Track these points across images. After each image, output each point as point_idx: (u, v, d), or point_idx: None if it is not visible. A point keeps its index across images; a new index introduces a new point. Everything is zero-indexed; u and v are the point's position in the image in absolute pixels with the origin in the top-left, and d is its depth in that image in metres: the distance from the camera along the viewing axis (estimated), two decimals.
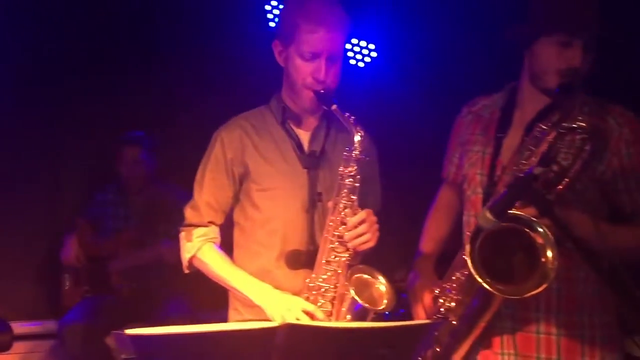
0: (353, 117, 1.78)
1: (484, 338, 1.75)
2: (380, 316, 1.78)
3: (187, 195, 3.28)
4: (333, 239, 1.76)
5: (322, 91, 1.79)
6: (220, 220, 1.93)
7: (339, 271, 1.76)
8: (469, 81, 3.19)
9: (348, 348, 1.41)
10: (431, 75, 3.61)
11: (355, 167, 1.77)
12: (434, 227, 2.01)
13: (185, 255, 1.90)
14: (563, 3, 1.70)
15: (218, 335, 1.36)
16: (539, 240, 1.55)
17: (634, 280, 1.47)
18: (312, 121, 1.91)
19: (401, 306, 2.76)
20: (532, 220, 1.55)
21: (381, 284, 1.77)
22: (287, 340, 1.35)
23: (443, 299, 1.75)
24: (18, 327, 3.07)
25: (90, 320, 3.04)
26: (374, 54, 3.74)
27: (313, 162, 1.87)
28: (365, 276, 1.77)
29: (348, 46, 3.75)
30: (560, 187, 1.59)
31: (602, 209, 1.74)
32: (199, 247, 1.89)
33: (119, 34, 3.54)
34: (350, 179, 1.76)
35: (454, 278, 1.73)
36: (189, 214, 1.93)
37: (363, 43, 3.71)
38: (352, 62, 3.74)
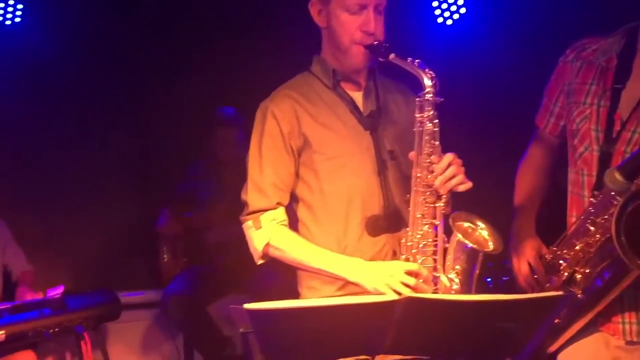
0: (418, 60, 1.67)
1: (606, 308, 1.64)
2: (484, 285, 1.70)
3: None
4: (423, 189, 1.65)
5: (375, 43, 1.69)
6: (287, 200, 1.79)
7: (437, 222, 1.65)
8: (571, 31, 2.99)
9: (469, 321, 1.34)
10: (525, 31, 3.41)
11: (432, 111, 1.65)
12: (528, 182, 1.87)
13: (257, 245, 1.75)
14: None
15: (336, 309, 1.33)
16: None
17: None
18: (360, 80, 1.81)
19: (504, 273, 2.65)
20: None
21: (482, 229, 1.67)
22: (406, 313, 1.31)
23: (562, 269, 1.65)
24: (125, 298, 3.23)
25: (190, 290, 3.13)
26: (462, 10, 3.57)
27: (373, 122, 1.77)
28: (465, 224, 1.67)
29: (435, 4, 3.60)
30: None
31: None
32: (272, 233, 1.74)
33: (206, 9, 3.54)
34: (430, 124, 1.65)
35: (577, 248, 1.60)
36: (253, 199, 1.77)
37: None
38: (440, 20, 3.59)
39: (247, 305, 1.29)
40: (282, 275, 3.18)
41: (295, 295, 3.06)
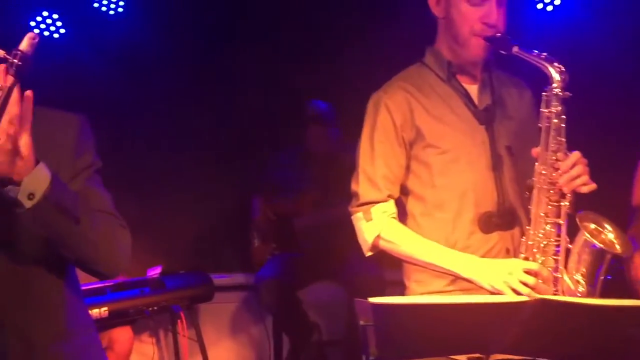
0: (544, 53, 1.61)
1: None
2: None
3: None
4: (547, 187, 1.59)
5: (498, 35, 1.64)
6: (397, 193, 1.77)
7: (561, 222, 1.59)
8: None
9: (600, 326, 1.30)
10: (634, 17, 3.23)
11: (560, 106, 1.60)
12: None
13: (368, 237, 1.74)
14: None
15: (463, 308, 1.31)
16: None
17: None
18: (476, 73, 1.77)
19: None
20: None
21: (609, 232, 1.61)
22: (536, 315, 1.28)
23: None
24: (216, 280, 3.33)
25: (282, 276, 3.19)
26: None
27: (489, 116, 1.73)
28: (592, 225, 1.61)
29: None
30: None
31: None
32: (383, 226, 1.73)
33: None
34: (556, 119, 1.59)
35: None
36: (364, 190, 1.75)
37: None
38: (539, 6, 3.46)
39: (372, 299, 1.29)
40: (371, 265, 3.21)
41: (388, 285, 3.07)
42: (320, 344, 3.28)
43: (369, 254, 1.79)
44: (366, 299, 1.30)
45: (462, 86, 1.77)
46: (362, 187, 1.77)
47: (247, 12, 3.66)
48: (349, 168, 3.26)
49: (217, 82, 3.68)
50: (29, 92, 1.22)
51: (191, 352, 3.20)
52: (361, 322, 1.35)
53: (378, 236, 1.73)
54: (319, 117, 3.38)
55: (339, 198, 3.28)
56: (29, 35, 1.21)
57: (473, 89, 1.78)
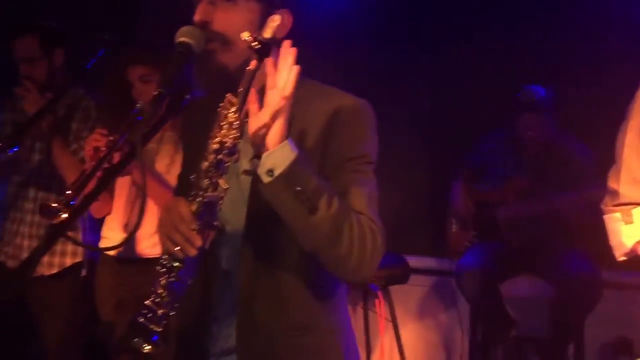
0: None
1: None
2: None
3: (585, 148, 3.01)
4: None
5: None
6: None
7: None
8: None
9: None
10: None
11: None
12: None
13: (626, 241, 1.62)
14: None
15: None
16: None
17: None
18: None
19: None
20: None
21: None
22: None
23: None
24: (410, 261, 3.31)
25: (484, 266, 3.08)
26: None
27: None
28: None
29: None
30: None
31: None
32: None
33: None
34: None
35: None
36: (626, 189, 1.63)
37: None
38: None
39: None
40: (585, 263, 2.99)
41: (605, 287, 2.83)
42: (518, 339, 3.14)
43: (622, 258, 1.66)
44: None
45: None
46: (623, 185, 1.65)
47: None
48: (564, 159, 3.09)
49: (426, 60, 3.61)
50: (295, 68, 1.20)
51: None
52: None
53: (639, 242, 1.61)
54: (534, 104, 3.17)
55: (550, 189, 3.14)
56: (271, 18, 1.22)
57: None
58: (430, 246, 3.66)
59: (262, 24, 1.27)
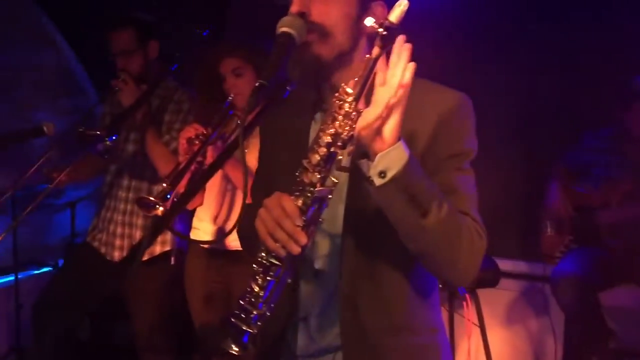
0: None
1: None
2: None
3: None
4: None
5: None
6: None
7: None
8: None
9: None
10: None
11: None
12: None
13: None
14: None
15: None
16: None
17: None
18: None
19: None
20: None
21: None
22: None
23: None
24: (502, 264, 3.16)
25: (583, 273, 2.89)
26: None
27: None
28: None
29: None
30: None
31: None
32: None
33: None
34: None
35: None
36: None
37: None
38: None
39: None
40: None
41: None
42: (618, 352, 2.94)
43: None
44: None
45: None
46: None
47: None
48: None
49: (525, 52, 3.42)
50: (412, 65, 1.14)
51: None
52: None
53: None
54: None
55: None
56: (399, 3, 1.14)
57: None
58: (521, 249, 3.48)
59: (358, 17, 1.27)
